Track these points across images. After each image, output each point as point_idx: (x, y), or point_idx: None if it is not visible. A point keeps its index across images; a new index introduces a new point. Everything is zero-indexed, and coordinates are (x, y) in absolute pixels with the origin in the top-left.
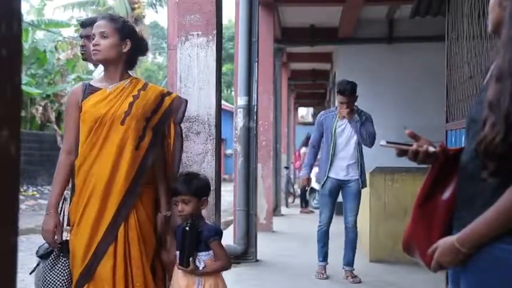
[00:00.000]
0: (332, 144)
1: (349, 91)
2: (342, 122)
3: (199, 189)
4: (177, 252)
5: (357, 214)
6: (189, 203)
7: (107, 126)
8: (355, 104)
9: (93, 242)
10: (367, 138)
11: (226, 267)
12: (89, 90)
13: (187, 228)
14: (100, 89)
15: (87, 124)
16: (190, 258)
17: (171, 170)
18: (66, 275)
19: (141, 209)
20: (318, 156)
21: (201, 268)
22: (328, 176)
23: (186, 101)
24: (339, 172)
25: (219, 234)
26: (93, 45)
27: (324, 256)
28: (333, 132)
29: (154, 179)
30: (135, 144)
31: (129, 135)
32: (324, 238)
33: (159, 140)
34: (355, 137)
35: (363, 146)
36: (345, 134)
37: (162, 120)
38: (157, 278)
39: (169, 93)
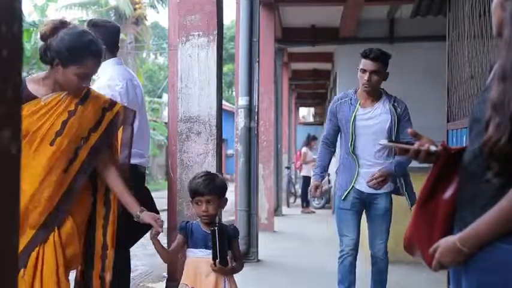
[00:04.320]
0: (351, 143)
1: (375, 55)
2: (366, 110)
3: (222, 188)
4: (209, 252)
5: (387, 239)
6: (213, 203)
7: (34, 145)
8: (383, 87)
9: None
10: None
11: (242, 268)
12: (25, 93)
13: (216, 228)
14: (35, 97)
15: None
16: (228, 257)
17: (122, 165)
18: None
19: (67, 223)
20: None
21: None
22: (352, 186)
23: (135, 112)
24: (362, 182)
25: (238, 233)
26: None
27: None
28: (351, 125)
29: (92, 184)
30: (63, 168)
31: (57, 157)
32: (349, 275)
33: (96, 159)
34: (385, 131)
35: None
36: (371, 128)
37: (102, 139)
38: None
39: (112, 106)
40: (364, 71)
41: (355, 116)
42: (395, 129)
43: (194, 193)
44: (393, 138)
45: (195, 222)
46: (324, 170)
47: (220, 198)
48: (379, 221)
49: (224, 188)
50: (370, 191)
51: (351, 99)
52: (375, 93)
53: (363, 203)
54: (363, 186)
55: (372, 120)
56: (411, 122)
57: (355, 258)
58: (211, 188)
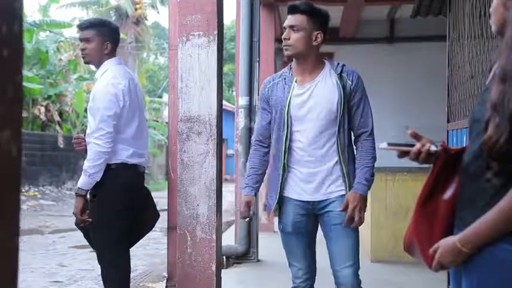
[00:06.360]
0: (286, 134)
1: (296, 7)
2: (304, 88)
3: None
4: None
5: (355, 263)
6: None
7: None
8: (320, 51)
9: None
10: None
11: None
12: None
13: None
14: None
15: None
16: None
17: None
18: None
19: None
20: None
21: None
22: (283, 197)
23: None
24: (303, 188)
25: None
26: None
27: None
28: (286, 109)
29: None
30: None
31: None
32: None
33: None
34: (333, 112)
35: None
36: (312, 110)
37: None
38: None
39: None
40: (284, 29)
41: (290, 97)
42: (341, 109)
43: None
44: (338, 121)
45: None
46: (257, 181)
47: None
48: (338, 234)
49: None
50: (317, 198)
51: (285, 78)
52: (310, 63)
53: (311, 216)
54: (303, 193)
55: (313, 100)
56: (369, 103)
57: None
58: None
